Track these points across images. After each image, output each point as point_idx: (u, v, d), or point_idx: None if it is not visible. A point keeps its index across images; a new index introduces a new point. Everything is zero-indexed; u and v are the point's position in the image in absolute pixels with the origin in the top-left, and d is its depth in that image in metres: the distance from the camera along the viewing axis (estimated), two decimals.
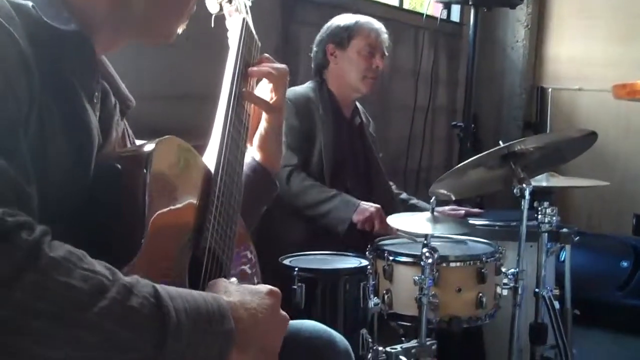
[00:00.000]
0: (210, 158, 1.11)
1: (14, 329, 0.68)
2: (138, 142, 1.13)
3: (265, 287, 0.94)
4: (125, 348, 0.74)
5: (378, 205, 2.31)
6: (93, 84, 0.96)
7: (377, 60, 2.47)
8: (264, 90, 1.27)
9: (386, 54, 2.54)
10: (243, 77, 1.20)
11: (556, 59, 4.61)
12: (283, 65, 1.28)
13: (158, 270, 0.89)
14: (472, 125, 3.71)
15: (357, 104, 2.63)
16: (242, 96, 1.17)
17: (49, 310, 0.69)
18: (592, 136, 2.02)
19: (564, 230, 2.42)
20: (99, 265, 0.75)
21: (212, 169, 1.07)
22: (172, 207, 0.94)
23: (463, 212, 2.65)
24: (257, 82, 1.28)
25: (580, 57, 4.47)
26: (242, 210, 1.13)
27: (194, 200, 1.00)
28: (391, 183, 2.73)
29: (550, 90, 4.48)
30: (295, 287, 1.76)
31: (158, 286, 0.78)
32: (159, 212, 0.90)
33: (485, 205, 3.54)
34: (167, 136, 0.96)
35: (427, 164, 3.91)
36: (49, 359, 0.71)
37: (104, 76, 1.03)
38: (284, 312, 0.95)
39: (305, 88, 2.51)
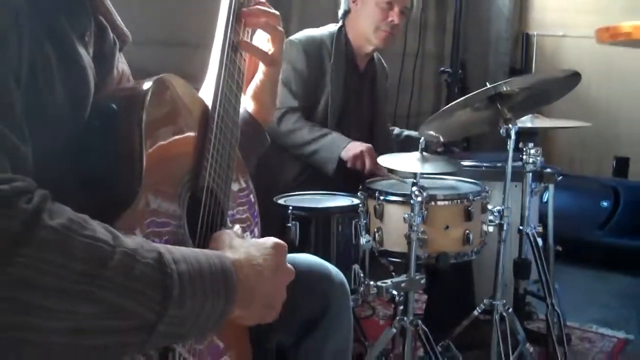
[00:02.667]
0: (206, 96, 1.08)
1: (16, 305, 0.66)
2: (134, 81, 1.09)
3: (270, 241, 0.94)
4: (127, 316, 0.72)
5: (368, 145, 2.32)
6: (84, 20, 0.91)
7: (394, 14, 2.43)
8: (261, 40, 1.22)
9: (407, 11, 2.49)
10: (238, 22, 1.14)
11: (542, 6, 4.64)
12: (276, 13, 1.21)
13: (157, 213, 0.87)
14: (460, 72, 3.75)
15: (377, 55, 2.62)
16: (239, 45, 1.12)
17: (50, 284, 0.67)
18: (575, 77, 2.06)
19: (548, 170, 2.50)
20: (101, 230, 0.73)
21: (209, 105, 1.04)
22: (170, 143, 0.92)
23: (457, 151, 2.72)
24: (254, 32, 1.23)
25: (565, 4, 4.51)
26: None
27: (191, 137, 0.98)
28: (392, 128, 2.77)
29: (535, 36, 4.51)
30: (289, 224, 1.83)
31: (162, 249, 0.77)
32: (157, 147, 0.88)
33: (473, 148, 3.62)
34: (164, 74, 0.93)
35: (416, 109, 3.96)
36: (50, 331, 0.68)
37: (100, 11, 0.98)
38: (289, 266, 0.96)
39: (322, 32, 2.48)
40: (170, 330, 0.76)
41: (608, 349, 2.67)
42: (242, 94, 1.19)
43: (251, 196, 1.19)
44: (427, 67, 4.00)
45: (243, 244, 0.92)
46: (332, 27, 2.50)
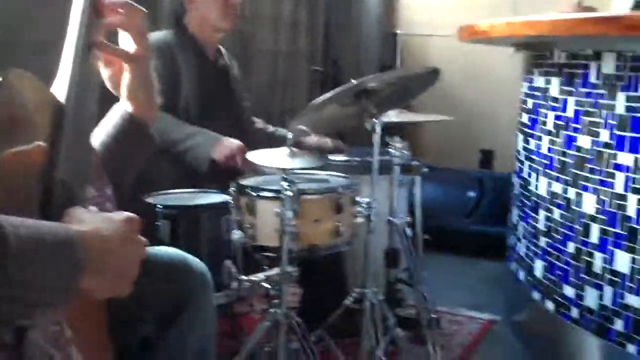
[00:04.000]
0: (59, 95, 1.04)
1: None
2: None
3: (121, 215, 0.94)
4: None
5: (239, 142, 2.34)
6: None
7: None
8: (124, 38, 1.19)
9: None
10: (97, 16, 1.10)
11: (409, 6, 4.82)
12: (139, 8, 1.18)
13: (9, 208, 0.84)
14: (332, 70, 3.83)
15: (220, 47, 2.66)
16: (95, 46, 1.08)
17: None
18: (434, 73, 2.17)
19: (414, 163, 2.61)
20: None
21: (60, 103, 1.00)
22: (20, 143, 0.88)
23: (328, 139, 2.77)
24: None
25: (431, 4, 4.70)
26: (118, 164, 1.13)
27: (43, 134, 0.94)
28: (257, 119, 2.79)
29: (403, 36, 4.67)
30: (158, 223, 1.82)
31: (1, 217, 0.77)
32: (6, 150, 0.86)
33: (348, 143, 3.70)
34: (13, 70, 0.90)
35: (289, 108, 4.00)
36: None
37: None
38: (141, 238, 0.96)
39: (165, 34, 2.49)
40: (15, 294, 0.75)
41: (476, 330, 2.82)
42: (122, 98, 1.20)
43: (107, 204, 1.17)
44: (299, 65, 4.06)
45: (92, 218, 0.92)
46: (171, 31, 2.52)
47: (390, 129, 2.55)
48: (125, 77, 1.22)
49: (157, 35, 2.46)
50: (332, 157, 2.57)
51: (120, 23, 1.16)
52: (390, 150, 2.44)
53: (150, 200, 1.92)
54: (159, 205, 1.84)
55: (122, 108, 1.24)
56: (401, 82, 2.21)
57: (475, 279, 3.45)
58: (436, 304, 2.77)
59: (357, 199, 2.18)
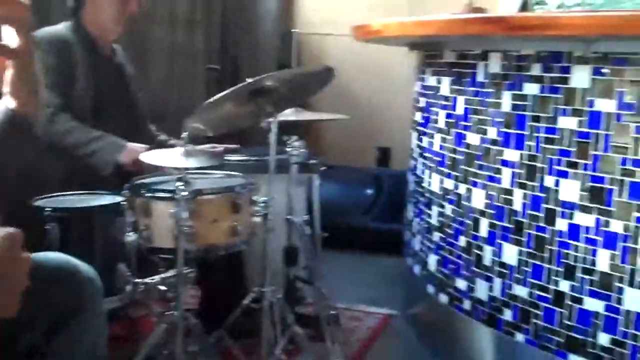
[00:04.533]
0: None
1: None
2: None
3: (1, 232, 0.91)
4: None
5: (146, 146, 2.32)
6: None
7: (131, 5, 2.45)
8: (7, 32, 1.14)
9: None
10: None
11: (308, 5, 4.84)
12: (21, 1, 1.13)
13: None
14: (231, 69, 3.80)
15: (114, 45, 2.60)
16: None
17: None
18: (329, 71, 2.19)
19: (312, 161, 2.63)
20: None
21: None
22: None
23: (222, 148, 2.75)
24: None
25: (329, 3, 4.74)
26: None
27: None
28: (152, 126, 2.75)
29: (301, 35, 4.70)
30: (48, 226, 1.76)
31: None
32: None
33: (245, 143, 3.69)
34: None
35: (188, 107, 3.94)
36: None
37: None
38: (25, 253, 0.93)
39: (60, 28, 2.42)
40: None
41: (374, 325, 2.87)
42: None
43: None
44: (197, 64, 4.01)
45: None
46: (67, 23, 2.45)
47: (287, 128, 2.56)
48: (8, 73, 1.18)
49: (51, 29, 2.38)
50: (229, 156, 2.56)
51: (1, 16, 1.11)
52: (287, 149, 2.45)
53: (39, 203, 1.85)
54: (47, 208, 1.78)
55: (4, 104, 1.20)
56: (297, 80, 2.22)
57: (373, 274, 3.52)
58: (335, 301, 2.81)
59: (255, 198, 2.18)
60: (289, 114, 2.54)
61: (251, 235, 2.21)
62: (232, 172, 2.34)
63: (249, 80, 2.07)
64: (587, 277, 2.02)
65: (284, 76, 2.20)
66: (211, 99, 2.06)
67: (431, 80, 2.69)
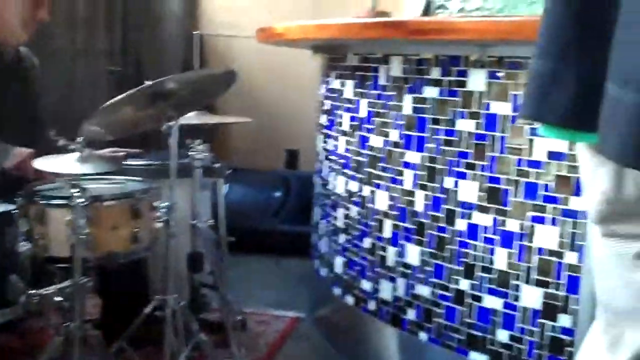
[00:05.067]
0: None
1: None
2: None
3: None
4: None
5: (31, 150, 2.22)
6: None
7: (43, 9, 2.33)
8: None
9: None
10: None
11: (213, 7, 4.79)
12: None
13: None
14: (134, 71, 3.72)
15: (21, 49, 2.48)
16: None
17: None
18: (232, 74, 2.17)
19: (217, 165, 2.60)
20: None
21: None
22: None
23: (124, 153, 2.68)
24: None
25: (233, 5, 4.70)
26: None
27: None
28: (51, 131, 2.65)
29: (208, 36, 4.64)
30: None
31: None
32: None
33: (149, 147, 3.61)
34: None
35: (89, 110, 3.83)
36: None
37: None
38: None
39: None
40: None
41: (282, 329, 2.86)
42: None
43: None
44: (99, 65, 3.90)
45: None
46: None
47: (192, 132, 2.52)
48: None
49: None
50: (130, 161, 2.50)
51: None
52: (191, 153, 2.41)
53: None
54: None
55: None
56: (198, 83, 2.19)
57: (282, 277, 3.51)
58: (243, 306, 2.79)
59: (156, 203, 2.13)
60: (191, 118, 2.51)
61: (153, 241, 2.16)
62: (133, 177, 2.28)
63: (149, 82, 2.03)
64: (485, 275, 2.08)
65: (185, 79, 2.17)
66: (109, 102, 2.00)
67: (335, 83, 2.70)
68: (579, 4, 0.88)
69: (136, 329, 2.18)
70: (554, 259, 1.94)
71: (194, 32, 3.49)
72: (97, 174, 2.15)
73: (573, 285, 1.91)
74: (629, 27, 0.78)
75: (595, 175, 0.95)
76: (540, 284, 1.97)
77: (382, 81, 2.37)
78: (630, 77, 0.77)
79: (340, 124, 2.65)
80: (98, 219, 1.98)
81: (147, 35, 4.32)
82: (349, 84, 2.57)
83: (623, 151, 0.78)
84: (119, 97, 1.98)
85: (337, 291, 2.69)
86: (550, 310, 1.96)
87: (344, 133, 2.61)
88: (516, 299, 2.02)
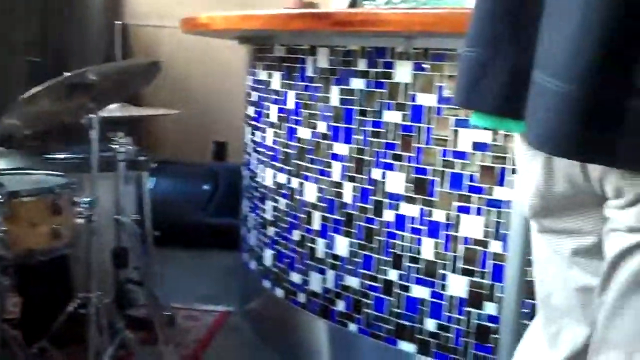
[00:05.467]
0: None
1: None
2: None
3: None
4: None
5: None
6: None
7: None
8: None
9: None
10: None
11: None
12: None
13: None
14: (55, 62, 3.60)
15: None
16: None
17: None
18: (155, 65, 2.12)
19: (141, 158, 2.54)
20: None
21: None
22: None
23: None
24: None
25: None
26: None
27: None
28: None
29: (132, 26, 4.53)
30: None
31: None
32: None
33: (70, 140, 3.51)
34: None
35: (3, 102, 3.68)
36: None
37: None
38: None
39: None
40: None
41: (211, 323, 2.83)
42: None
43: None
44: (16, 55, 3.75)
45: None
46: None
47: (115, 124, 2.45)
48: None
49: None
50: (50, 155, 2.41)
51: None
52: (113, 146, 2.35)
53: None
54: None
55: None
56: (120, 74, 2.13)
57: (211, 271, 3.46)
58: (171, 301, 2.74)
59: (77, 198, 2.07)
60: (114, 110, 2.44)
61: (75, 238, 2.10)
62: (53, 172, 2.20)
63: (67, 74, 1.96)
64: (413, 265, 2.10)
65: (106, 70, 2.10)
66: (26, 94, 1.92)
67: (262, 75, 2.68)
68: None
69: (59, 328, 2.11)
70: (479, 248, 1.97)
71: (116, 22, 3.40)
72: (15, 168, 2.08)
73: (498, 273, 1.95)
74: (551, 16, 0.79)
75: (529, 168, 0.94)
76: (466, 272, 2.00)
77: (309, 72, 2.36)
78: (549, 63, 0.78)
79: (267, 115, 2.63)
80: (16, 215, 1.92)
81: (68, 24, 4.18)
82: (277, 75, 2.55)
83: (541, 136, 0.78)
84: (37, 88, 1.91)
85: (266, 284, 2.67)
86: (476, 298, 1.99)
87: (272, 125, 2.59)
88: (443, 288, 2.05)
